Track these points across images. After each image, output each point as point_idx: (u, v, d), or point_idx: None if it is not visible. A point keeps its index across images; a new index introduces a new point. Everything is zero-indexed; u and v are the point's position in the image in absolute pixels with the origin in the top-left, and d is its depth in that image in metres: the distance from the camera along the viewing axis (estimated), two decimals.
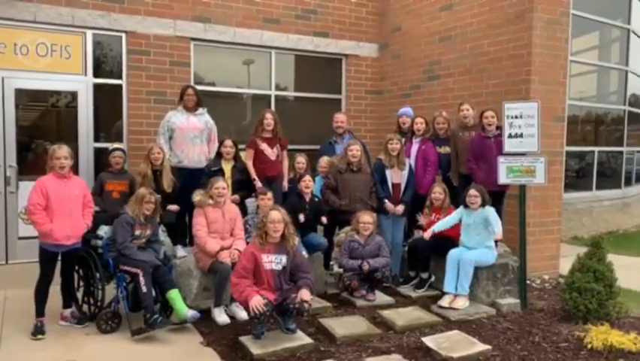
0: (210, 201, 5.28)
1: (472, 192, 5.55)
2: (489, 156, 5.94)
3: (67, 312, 4.88)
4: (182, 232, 6.01)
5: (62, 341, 4.49)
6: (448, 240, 5.71)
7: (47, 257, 4.66)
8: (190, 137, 6.13)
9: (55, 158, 4.66)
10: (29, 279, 4.79)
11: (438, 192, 5.95)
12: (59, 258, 4.76)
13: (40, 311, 4.68)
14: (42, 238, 4.62)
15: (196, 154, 6.15)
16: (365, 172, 6.21)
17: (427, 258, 5.96)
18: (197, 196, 5.32)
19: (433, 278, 5.97)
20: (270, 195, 5.62)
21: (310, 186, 5.95)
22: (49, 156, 4.72)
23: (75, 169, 6.96)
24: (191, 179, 5.90)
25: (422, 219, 6.12)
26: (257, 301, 4.27)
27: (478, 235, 5.54)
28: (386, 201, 6.15)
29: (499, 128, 5.94)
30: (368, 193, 6.15)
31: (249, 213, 5.93)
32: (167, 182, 5.64)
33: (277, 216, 4.55)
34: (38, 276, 4.69)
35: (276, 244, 4.56)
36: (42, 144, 6.94)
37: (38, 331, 4.59)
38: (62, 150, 4.71)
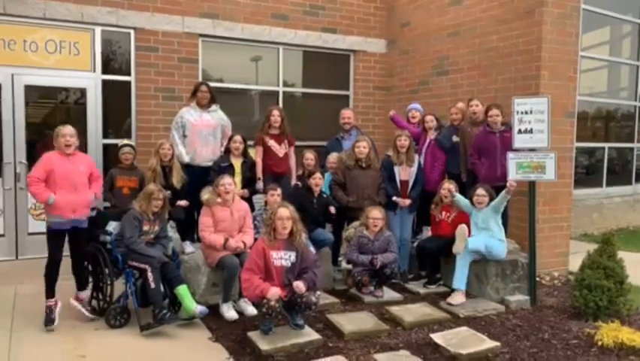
0: (219, 200, 5.28)
1: (480, 191, 5.54)
2: (493, 152, 5.92)
3: (83, 294, 4.94)
4: (190, 228, 6.02)
5: (72, 336, 4.52)
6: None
7: (53, 236, 4.71)
8: (203, 134, 6.09)
9: (61, 136, 4.68)
10: (39, 275, 4.82)
11: (447, 189, 5.91)
12: (67, 238, 4.83)
13: (50, 293, 4.73)
14: (47, 212, 4.68)
15: (209, 152, 6.10)
16: (374, 169, 6.18)
17: (437, 261, 5.95)
18: (206, 195, 5.30)
19: (442, 281, 5.98)
20: (279, 191, 5.62)
21: (320, 183, 5.93)
22: (55, 136, 4.74)
23: None
24: (202, 176, 5.89)
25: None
26: (275, 292, 4.27)
27: (487, 231, 5.52)
28: (395, 197, 6.12)
29: (505, 124, 5.91)
30: (376, 190, 6.12)
31: (256, 209, 5.93)
32: (177, 178, 5.65)
33: (286, 213, 4.53)
34: (47, 257, 4.75)
35: (285, 241, 4.56)
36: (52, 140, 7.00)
37: (49, 320, 4.64)
38: (67, 129, 4.73)
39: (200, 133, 6.07)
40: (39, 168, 4.61)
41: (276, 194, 5.57)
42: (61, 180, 4.62)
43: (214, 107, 6.25)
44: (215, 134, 6.20)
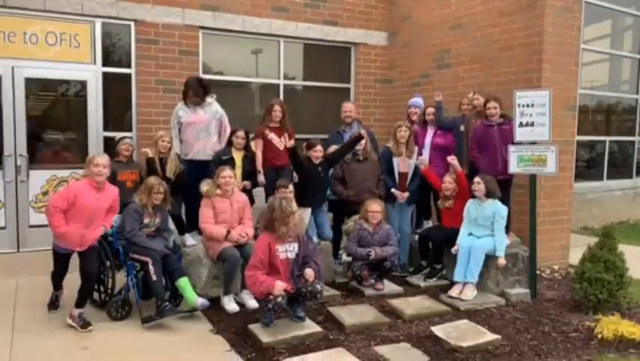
0: (218, 192, 5.28)
1: (476, 179, 5.53)
2: (492, 145, 5.91)
3: (77, 312, 4.60)
4: (190, 221, 6.02)
5: (73, 329, 4.53)
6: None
7: (59, 257, 4.71)
8: (196, 130, 6.05)
9: (94, 165, 4.51)
10: (40, 267, 4.85)
11: (448, 182, 5.89)
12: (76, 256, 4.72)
13: (56, 285, 4.91)
14: (54, 238, 4.60)
15: (200, 147, 6.07)
16: (372, 161, 6.18)
17: (440, 250, 5.93)
18: (205, 186, 5.31)
19: (444, 271, 5.96)
20: (291, 187, 5.55)
21: (319, 155, 5.85)
22: (87, 162, 4.61)
23: (85, 159, 7.06)
24: (198, 169, 5.89)
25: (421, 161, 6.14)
26: (280, 287, 4.28)
27: (486, 228, 5.52)
28: (393, 190, 6.13)
29: (503, 116, 5.90)
30: (375, 183, 6.12)
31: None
32: (171, 168, 5.67)
33: (296, 209, 4.57)
34: (53, 268, 4.83)
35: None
36: (52, 133, 7.01)
37: (52, 305, 4.87)
38: (103, 159, 4.58)
39: (193, 130, 6.05)
40: (63, 197, 4.46)
41: (287, 192, 5.42)
42: (79, 215, 4.48)
43: (209, 100, 6.15)
44: (209, 129, 6.10)
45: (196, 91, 6.06)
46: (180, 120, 6.10)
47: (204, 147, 6.09)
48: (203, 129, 6.10)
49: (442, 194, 5.97)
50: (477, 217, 5.55)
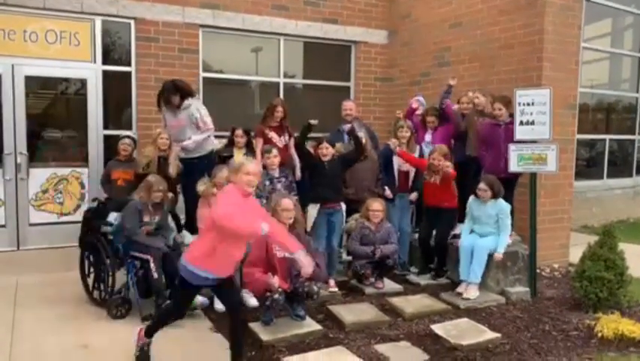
0: (215, 191, 5.28)
1: (482, 185, 5.48)
2: (497, 144, 5.91)
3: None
4: (190, 221, 6.03)
5: (73, 326, 4.53)
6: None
7: (188, 293, 3.89)
8: (175, 134, 6.03)
9: (245, 173, 3.64)
10: (40, 265, 4.83)
11: (434, 158, 5.81)
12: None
13: (150, 333, 3.89)
14: (189, 261, 3.64)
15: (179, 148, 6.02)
16: (371, 160, 6.17)
17: (443, 254, 5.92)
18: (202, 186, 5.31)
19: (448, 272, 5.98)
20: (275, 152, 5.60)
21: (327, 153, 5.60)
22: (235, 169, 3.70)
23: (85, 157, 7.07)
24: (186, 167, 5.95)
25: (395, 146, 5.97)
26: (274, 282, 4.28)
27: (489, 226, 5.52)
28: (386, 188, 6.11)
29: (512, 115, 5.90)
30: (375, 181, 6.12)
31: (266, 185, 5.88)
32: (173, 167, 5.67)
33: (289, 203, 4.58)
34: (172, 306, 4.02)
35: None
36: (52, 131, 7.00)
37: (146, 358, 3.87)
38: (254, 166, 3.75)
39: (174, 134, 6.03)
40: (228, 203, 3.53)
41: (272, 156, 5.56)
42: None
43: (187, 102, 6.00)
44: (185, 133, 6.02)
45: (169, 96, 5.95)
46: (166, 123, 6.15)
47: (185, 148, 6.05)
48: (181, 132, 6.05)
49: (428, 165, 5.85)
50: (480, 215, 5.56)
